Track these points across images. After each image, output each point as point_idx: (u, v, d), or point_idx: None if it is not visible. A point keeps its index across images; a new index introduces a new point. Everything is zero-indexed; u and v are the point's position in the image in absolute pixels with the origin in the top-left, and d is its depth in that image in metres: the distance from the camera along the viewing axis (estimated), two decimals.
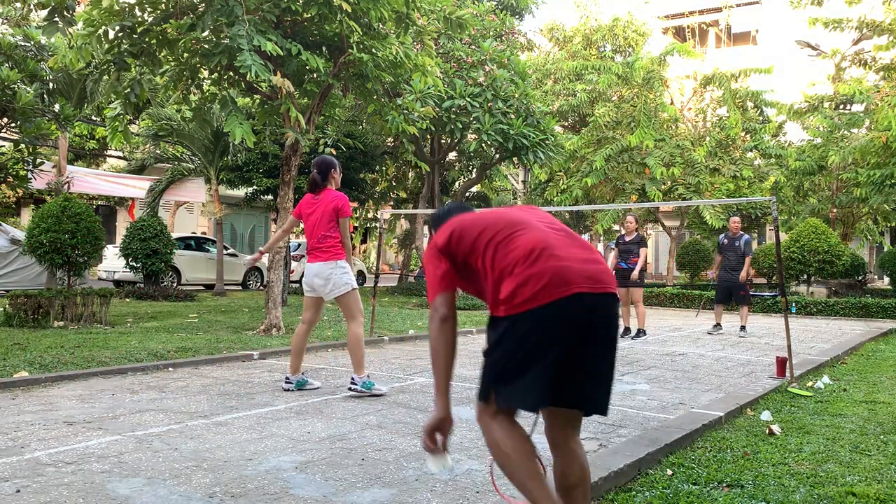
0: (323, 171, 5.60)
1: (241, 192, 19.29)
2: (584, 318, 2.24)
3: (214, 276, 17.61)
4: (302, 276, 21.96)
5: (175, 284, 17.07)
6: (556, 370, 2.25)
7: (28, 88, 9.61)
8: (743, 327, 11.09)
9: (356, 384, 5.47)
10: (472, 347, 8.86)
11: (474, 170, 20.14)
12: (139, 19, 8.60)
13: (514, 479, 2.44)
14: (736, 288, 11.13)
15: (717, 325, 11.41)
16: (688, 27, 30.12)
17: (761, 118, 21.20)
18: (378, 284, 10.91)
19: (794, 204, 21.44)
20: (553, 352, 2.23)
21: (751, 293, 16.66)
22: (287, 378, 5.66)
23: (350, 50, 8.76)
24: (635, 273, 10.22)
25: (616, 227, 29.91)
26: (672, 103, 21.05)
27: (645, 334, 10.33)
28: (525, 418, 2.51)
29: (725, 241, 11.26)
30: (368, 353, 8.15)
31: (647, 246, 10.64)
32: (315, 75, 9.43)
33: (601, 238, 26.74)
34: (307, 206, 5.65)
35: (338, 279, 5.48)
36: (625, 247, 10.46)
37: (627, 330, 10.51)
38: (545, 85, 22.32)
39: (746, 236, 11.29)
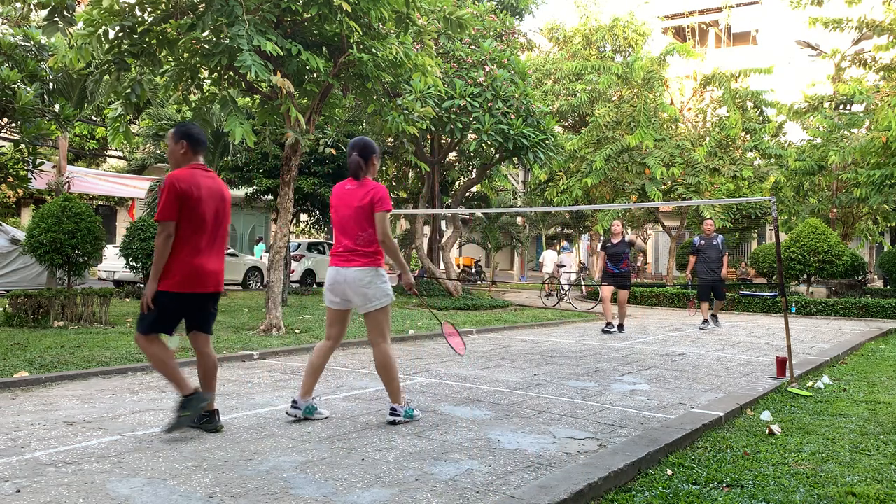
0: (365, 155, 4.65)
1: (241, 192, 19.29)
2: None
3: None
4: (303, 276, 21.85)
5: None
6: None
7: (28, 88, 9.61)
8: (715, 317, 11.89)
9: (398, 414, 4.64)
10: (471, 347, 8.87)
11: (474, 170, 20.14)
12: (139, 19, 8.60)
13: (164, 371, 4.21)
14: (718, 285, 11.73)
15: (706, 321, 11.89)
16: (688, 27, 30.13)
17: (761, 118, 21.19)
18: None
19: (794, 204, 21.44)
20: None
21: (750, 293, 16.74)
22: (294, 402, 4.66)
23: (350, 50, 8.76)
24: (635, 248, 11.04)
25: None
26: (672, 103, 21.04)
27: (622, 330, 11.04)
28: None
29: (702, 242, 11.76)
30: (368, 353, 8.14)
31: (634, 244, 11.28)
32: (315, 75, 9.43)
33: (601, 238, 26.75)
34: (338, 197, 4.68)
35: (377, 290, 4.60)
36: (613, 251, 11.02)
37: (621, 327, 11.14)
38: (545, 85, 22.33)
39: (721, 236, 11.86)
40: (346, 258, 4.59)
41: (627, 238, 11.12)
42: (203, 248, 4.24)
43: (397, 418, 4.61)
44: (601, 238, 11.39)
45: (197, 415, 4.18)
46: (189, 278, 4.17)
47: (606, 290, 11.11)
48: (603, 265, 11.08)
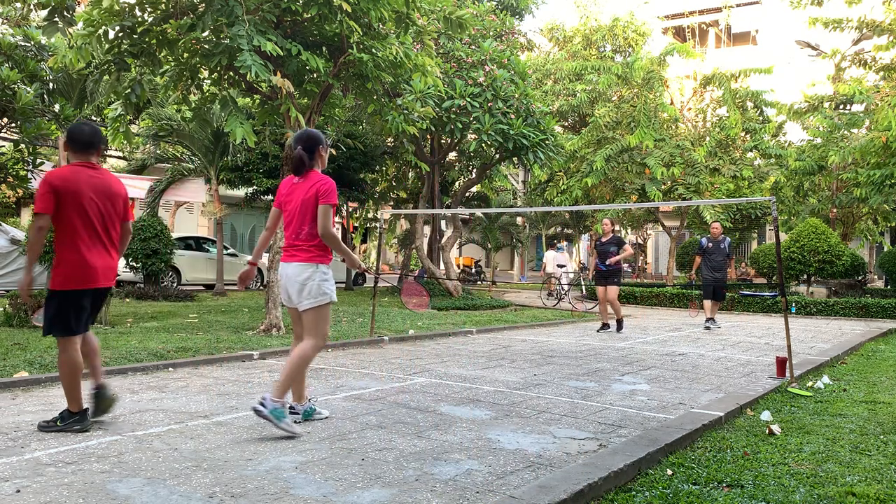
0: (309, 147, 4.50)
1: (241, 192, 19.29)
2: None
3: (214, 276, 17.61)
4: None
5: (175, 284, 17.07)
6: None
7: (28, 88, 9.61)
8: (712, 319, 11.86)
9: (265, 406, 4.16)
10: (471, 347, 8.87)
11: (474, 170, 20.14)
12: (139, 19, 8.61)
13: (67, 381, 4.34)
14: (719, 286, 11.79)
15: (710, 318, 11.92)
16: (688, 27, 30.14)
17: (761, 118, 21.19)
18: (378, 285, 10.91)
19: (794, 204, 21.43)
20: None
21: (750, 293, 16.75)
22: (292, 408, 4.54)
23: (350, 50, 8.76)
24: (613, 259, 10.84)
25: (616, 228, 29.97)
26: (672, 103, 21.04)
27: (608, 328, 11.03)
28: None
29: (710, 244, 11.77)
30: (368, 353, 8.16)
31: (626, 243, 11.24)
32: (315, 75, 9.43)
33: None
34: (286, 192, 4.57)
35: (314, 287, 4.38)
36: (602, 248, 11.08)
37: (605, 326, 11.19)
38: (545, 85, 22.33)
39: (728, 239, 11.91)
40: (290, 253, 4.46)
41: (616, 236, 11.11)
42: (88, 244, 4.27)
43: (262, 410, 4.15)
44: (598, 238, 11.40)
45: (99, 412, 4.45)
46: (73, 275, 4.21)
47: (601, 291, 11.16)
48: (595, 263, 11.18)
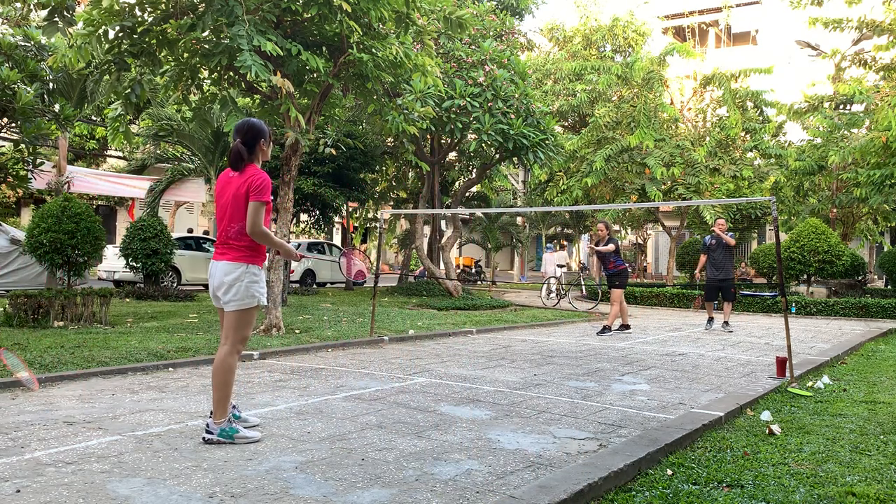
0: (249, 140, 4.21)
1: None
2: None
3: None
4: (303, 276, 21.84)
5: (175, 284, 17.07)
6: None
7: (28, 88, 9.61)
8: (726, 322, 11.61)
9: (212, 432, 4.02)
10: (471, 347, 8.87)
11: (474, 170, 20.15)
12: (139, 19, 8.61)
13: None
14: (726, 286, 11.59)
15: (711, 318, 11.82)
16: (688, 27, 30.14)
17: (761, 118, 21.19)
18: (378, 284, 10.91)
19: (794, 204, 21.44)
20: None
21: (750, 293, 16.74)
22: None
23: (350, 50, 8.76)
24: (599, 248, 10.78)
25: (616, 228, 29.96)
26: (672, 103, 21.04)
27: (608, 331, 10.68)
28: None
29: (713, 241, 11.58)
30: (368, 353, 8.16)
31: (616, 242, 11.00)
32: (315, 75, 9.43)
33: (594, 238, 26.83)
34: (220, 186, 4.26)
35: (240, 288, 4.12)
36: (599, 254, 10.94)
37: (623, 326, 11.04)
38: (545, 85, 22.33)
39: (732, 234, 11.73)
40: (220, 251, 4.20)
41: (612, 238, 10.89)
42: None
43: (211, 437, 4.00)
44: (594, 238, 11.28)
45: None
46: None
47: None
48: (598, 268, 11.18)
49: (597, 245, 10.98)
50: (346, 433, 4.35)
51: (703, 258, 11.81)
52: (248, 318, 4.21)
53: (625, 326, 11.03)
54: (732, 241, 11.47)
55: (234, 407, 4.37)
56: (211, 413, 4.14)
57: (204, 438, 4.04)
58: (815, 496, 3.36)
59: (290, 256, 4.50)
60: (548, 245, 22.57)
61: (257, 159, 4.28)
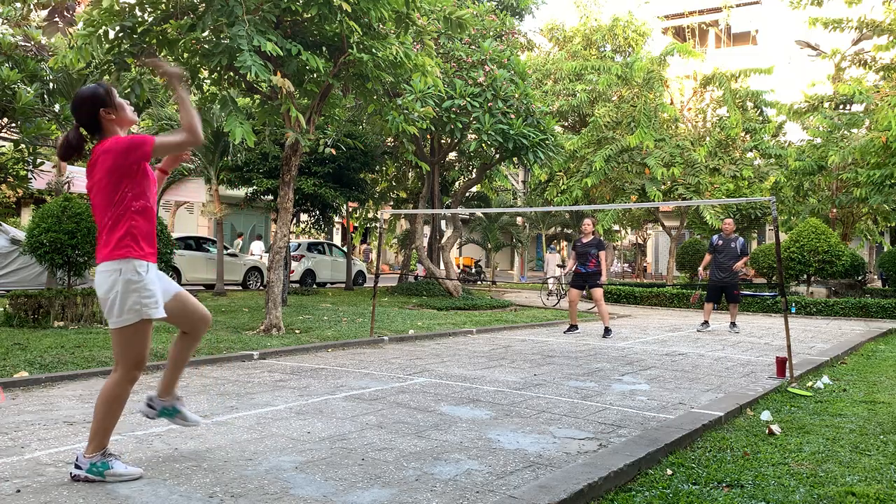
0: (84, 115, 3.30)
1: (241, 192, 19.29)
2: None
3: (214, 276, 17.62)
4: (303, 276, 21.79)
5: None
6: None
7: (28, 88, 9.61)
8: (734, 324, 11.49)
9: (80, 467, 3.31)
10: (472, 347, 8.87)
11: (474, 170, 20.15)
12: (139, 19, 8.61)
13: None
14: (729, 288, 11.45)
15: (706, 322, 11.70)
16: (688, 27, 30.12)
17: (761, 118, 21.19)
18: (378, 285, 10.91)
19: (794, 204, 21.44)
20: None
21: (750, 293, 16.74)
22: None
23: (350, 50, 8.77)
24: (604, 277, 10.53)
25: (616, 228, 29.97)
26: (672, 103, 21.04)
27: (610, 333, 10.40)
28: None
29: (720, 241, 11.44)
30: (368, 353, 8.16)
31: (605, 249, 10.81)
32: (315, 75, 9.43)
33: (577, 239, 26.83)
34: (87, 178, 3.37)
35: (117, 298, 3.27)
36: (582, 249, 10.61)
37: (574, 327, 10.93)
38: (545, 85, 22.32)
39: (741, 239, 11.54)
40: (96, 251, 3.36)
41: (597, 238, 10.68)
42: None
43: (78, 473, 3.30)
44: (580, 238, 10.95)
45: None
46: None
47: (573, 293, 10.77)
48: (573, 266, 10.71)
49: (581, 241, 10.62)
50: (346, 433, 4.35)
51: (707, 257, 11.62)
52: (139, 337, 3.36)
53: (573, 327, 10.87)
54: (743, 263, 11.36)
55: (178, 399, 3.82)
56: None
57: (71, 474, 3.32)
58: (815, 496, 3.36)
59: (193, 132, 3.29)
60: (550, 246, 22.59)
61: (108, 130, 3.32)
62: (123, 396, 3.40)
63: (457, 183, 22.45)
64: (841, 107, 19.96)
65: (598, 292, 10.66)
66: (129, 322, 3.32)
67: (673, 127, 20.96)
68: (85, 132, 3.38)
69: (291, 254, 18.86)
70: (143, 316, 3.33)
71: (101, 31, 8.33)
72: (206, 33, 8.43)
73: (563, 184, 20.57)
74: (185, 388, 5.68)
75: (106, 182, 3.26)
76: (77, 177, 15.06)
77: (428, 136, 17.48)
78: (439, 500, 3.18)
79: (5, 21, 13.14)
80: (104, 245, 3.31)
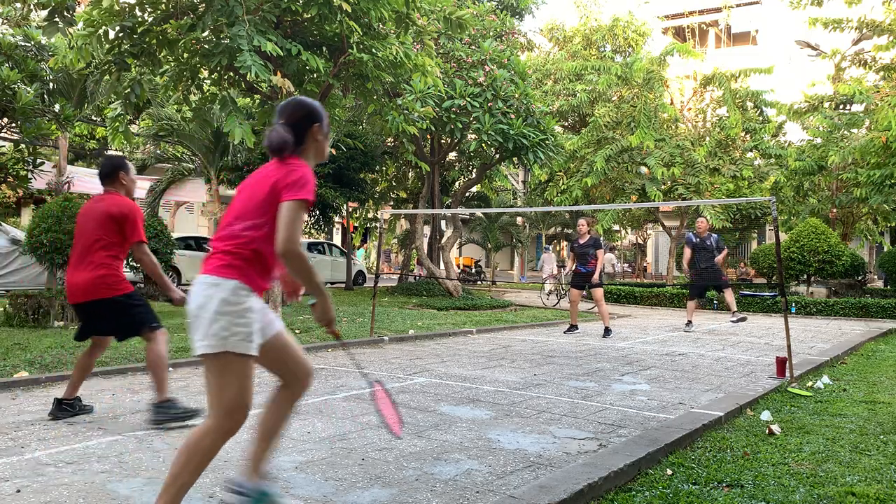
0: (296, 123, 2.85)
1: None
2: None
3: None
4: None
5: (175, 285, 17.08)
6: None
7: (28, 88, 9.61)
8: (734, 312, 11.39)
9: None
10: (472, 347, 8.87)
11: (474, 170, 20.15)
12: (139, 19, 8.61)
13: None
14: (713, 283, 11.55)
15: (689, 322, 11.65)
16: (688, 27, 30.13)
17: (761, 118, 21.20)
18: (378, 284, 10.91)
19: (794, 204, 21.44)
20: None
21: (750, 293, 16.73)
22: (239, 489, 2.86)
23: (350, 50, 8.77)
24: (595, 276, 10.47)
25: (616, 228, 29.97)
26: (672, 103, 21.04)
27: (610, 333, 10.40)
28: None
29: (697, 240, 11.46)
30: (368, 353, 8.16)
31: (602, 248, 10.80)
32: (315, 75, 9.43)
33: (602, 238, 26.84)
34: (240, 187, 2.99)
35: (222, 317, 2.63)
36: (580, 250, 10.59)
37: (574, 327, 10.93)
38: (545, 85, 22.33)
39: (714, 235, 11.61)
40: (205, 263, 2.80)
41: (594, 238, 10.65)
42: (71, 263, 4.59)
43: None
44: (601, 238, 10.94)
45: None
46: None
47: (574, 293, 10.79)
48: (572, 266, 10.68)
49: (578, 242, 10.60)
50: (346, 433, 4.35)
51: (688, 251, 11.57)
52: (236, 370, 2.65)
53: (573, 327, 10.87)
54: (723, 257, 11.45)
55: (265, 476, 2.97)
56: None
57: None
58: (815, 496, 3.36)
59: (326, 310, 2.79)
60: (546, 246, 22.62)
61: (307, 154, 2.87)
62: (211, 452, 2.68)
63: (457, 183, 22.45)
64: (841, 107, 19.97)
65: (598, 292, 10.71)
66: (229, 348, 2.64)
67: (673, 127, 20.97)
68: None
69: None
70: (246, 349, 2.67)
71: (101, 31, 8.33)
72: (206, 33, 8.44)
73: (563, 184, 20.58)
74: (184, 389, 5.69)
75: (266, 194, 2.73)
76: (77, 177, 15.06)
77: (428, 136, 17.48)
78: (439, 500, 3.18)
79: (5, 21, 13.14)
80: (220, 254, 2.76)
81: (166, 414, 4.44)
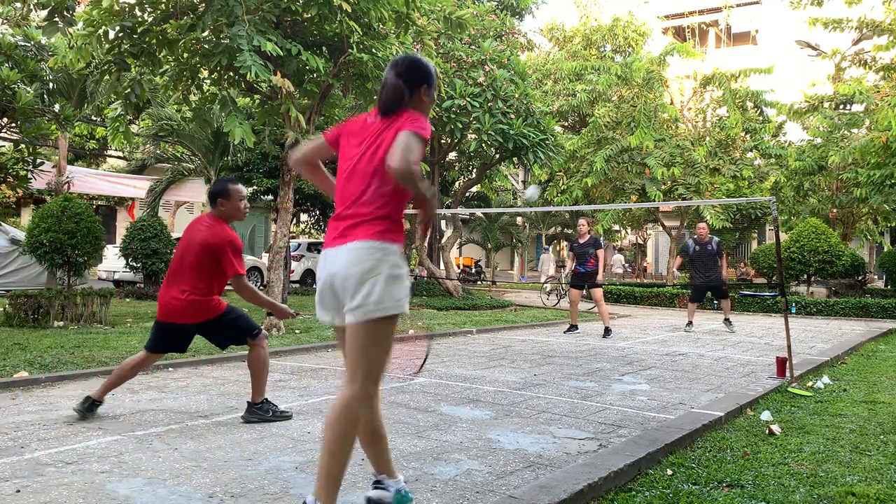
0: (409, 80, 2.80)
1: None
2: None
3: None
4: (303, 276, 21.66)
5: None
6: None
7: (28, 88, 9.62)
8: (728, 320, 11.54)
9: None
10: (472, 347, 8.87)
11: (474, 170, 20.15)
12: (139, 19, 8.61)
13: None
14: (715, 287, 11.57)
15: (690, 322, 11.66)
16: (688, 27, 30.15)
17: (761, 118, 21.20)
18: None
19: (794, 204, 21.45)
20: None
21: (750, 293, 16.74)
22: (379, 482, 3.01)
23: (350, 50, 8.77)
24: (600, 276, 10.51)
25: (616, 228, 29.96)
26: (672, 103, 21.05)
27: (610, 333, 10.39)
28: None
29: (697, 247, 11.46)
30: None
31: (602, 247, 10.77)
32: (315, 75, 9.43)
33: (601, 238, 26.83)
34: (345, 134, 2.95)
35: (380, 284, 2.78)
36: (579, 250, 10.61)
37: (574, 327, 10.94)
38: (545, 85, 22.34)
39: (715, 238, 11.59)
40: (341, 230, 2.85)
41: (594, 237, 10.64)
42: (165, 280, 4.75)
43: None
44: (601, 237, 10.98)
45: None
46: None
47: (574, 293, 10.78)
48: (572, 266, 10.68)
49: (578, 242, 10.59)
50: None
51: (678, 260, 11.94)
52: (388, 335, 2.76)
53: (573, 327, 10.86)
54: (725, 260, 11.61)
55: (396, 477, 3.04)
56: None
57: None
58: (815, 496, 3.36)
59: (429, 214, 2.78)
60: (545, 247, 22.63)
61: (414, 111, 2.80)
62: (358, 419, 2.63)
63: (457, 183, 22.45)
64: (841, 107, 19.97)
65: (598, 292, 10.72)
66: (388, 311, 2.77)
67: (673, 127, 20.97)
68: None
69: (291, 254, 18.86)
70: (401, 309, 2.83)
71: (101, 31, 8.32)
72: (206, 33, 8.43)
73: (563, 184, 20.58)
74: (184, 389, 5.69)
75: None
76: (77, 177, 15.07)
77: None
78: (439, 500, 3.18)
79: (5, 21, 13.14)
80: (366, 222, 2.77)
81: (262, 415, 4.60)
